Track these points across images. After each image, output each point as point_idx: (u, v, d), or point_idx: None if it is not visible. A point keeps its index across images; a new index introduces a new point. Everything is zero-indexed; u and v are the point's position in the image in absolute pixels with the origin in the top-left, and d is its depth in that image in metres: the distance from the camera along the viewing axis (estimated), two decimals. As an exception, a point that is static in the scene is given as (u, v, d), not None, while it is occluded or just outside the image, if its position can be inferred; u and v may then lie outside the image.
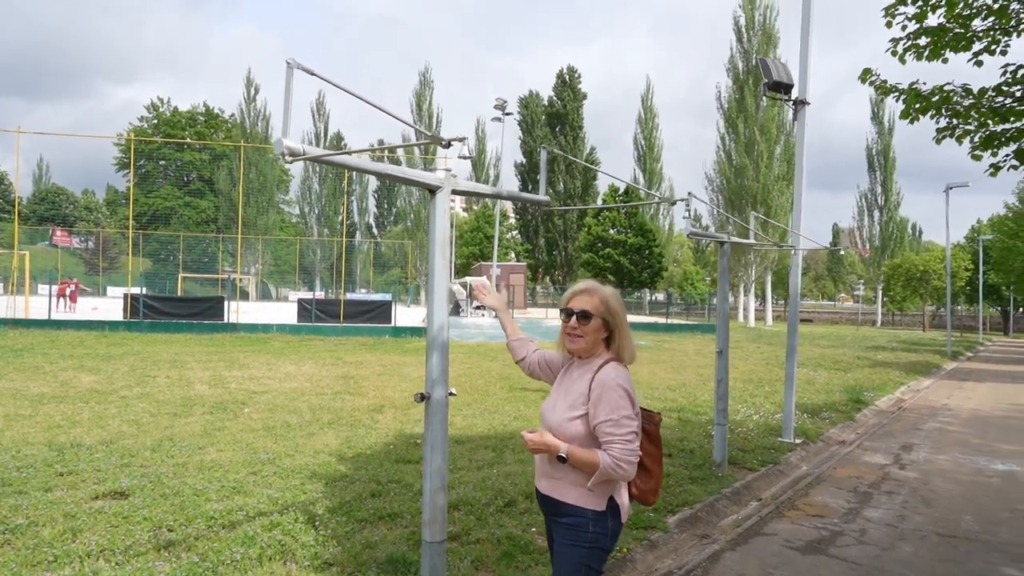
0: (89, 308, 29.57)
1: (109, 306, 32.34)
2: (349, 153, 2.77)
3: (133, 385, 10.49)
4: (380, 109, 2.75)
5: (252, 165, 58.53)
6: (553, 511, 2.52)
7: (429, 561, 3.52)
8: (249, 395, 9.99)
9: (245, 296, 52.05)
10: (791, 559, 4.70)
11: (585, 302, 2.52)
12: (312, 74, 2.72)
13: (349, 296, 34.02)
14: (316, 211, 65.88)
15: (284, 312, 30.24)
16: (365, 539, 4.36)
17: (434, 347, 3.55)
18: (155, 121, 73.42)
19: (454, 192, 3.54)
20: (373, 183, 78.18)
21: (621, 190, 53.65)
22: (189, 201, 71.30)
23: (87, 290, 41.33)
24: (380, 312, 23.89)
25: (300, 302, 24.47)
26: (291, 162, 2.76)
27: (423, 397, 3.52)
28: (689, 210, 5.32)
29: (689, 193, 5.68)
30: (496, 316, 3.10)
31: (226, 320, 21.77)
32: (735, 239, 7.01)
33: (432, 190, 3.43)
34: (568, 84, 66.37)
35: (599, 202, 62.34)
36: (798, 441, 8.40)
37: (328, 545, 4.24)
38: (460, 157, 2.79)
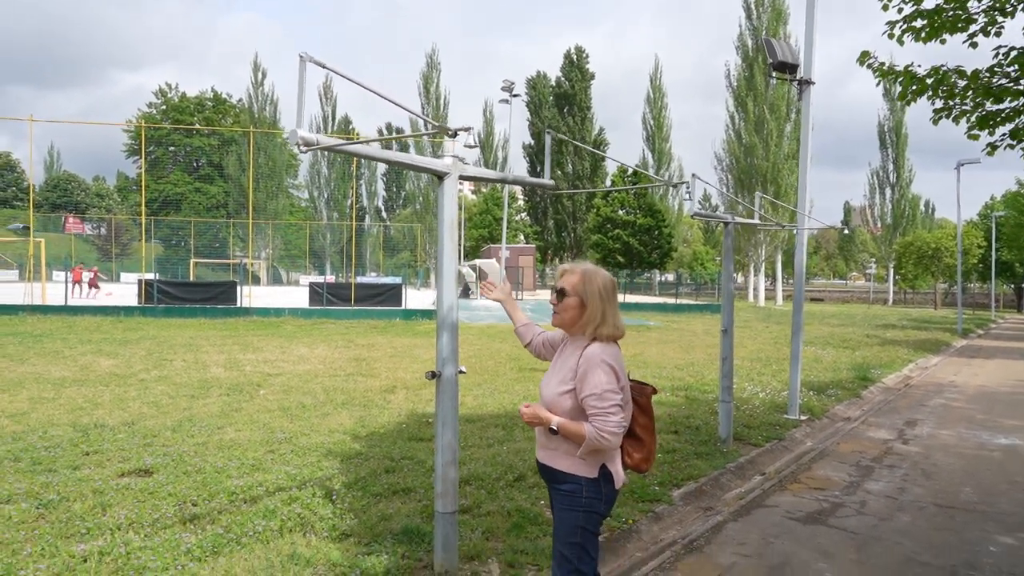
0: (104, 294, 29.98)
1: (123, 292, 32.77)
2: (365, 142, 2.90)
3: (151, 368, 10.74)
4: (390, 100, 2.88)
5: (261, 150, 58.71)
6: (551, 479, 2.70)
7: (442, 531, 3.70)
8: (264, 377, 10.21)
9: (256, 281, 52.50)
10: (791, 529, 4.86)
11: (564, 281, 2.69)
12: (324, 67, 2.85)
13: (360, 280, 34.25)
14: (325, 195, 66.03)
15: (295, 296, 30.54)
16: (380, 512, 4.55)
17: (444, 327, 3.70)
18: (164, 107, 73.67)
19: (462, 178, 3.67)
20: (382, 167, 78.27)
21: (629, 171, 53.46)
22: (199, 187, 71.66)
23: (104, 278, 41.79)
24: (391, 295, 24.11)
25: (312, 286, 24.72)
26: (305, 151, 2.89)
27: (434, 375, 3.68)
28: (691, 192, 5.42)
29: (693, 175, 5.78)
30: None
31: (239, 304, 22.05)
32: (739, 219, 7.10)
33: (440, 176, 3.57)
34: (576, 64, 65.91)
35: (608, 183, 62.18)
36: (803, 418, 8.53)
37: (345, 518, 4.43)
38: (465, 146, 2.92)
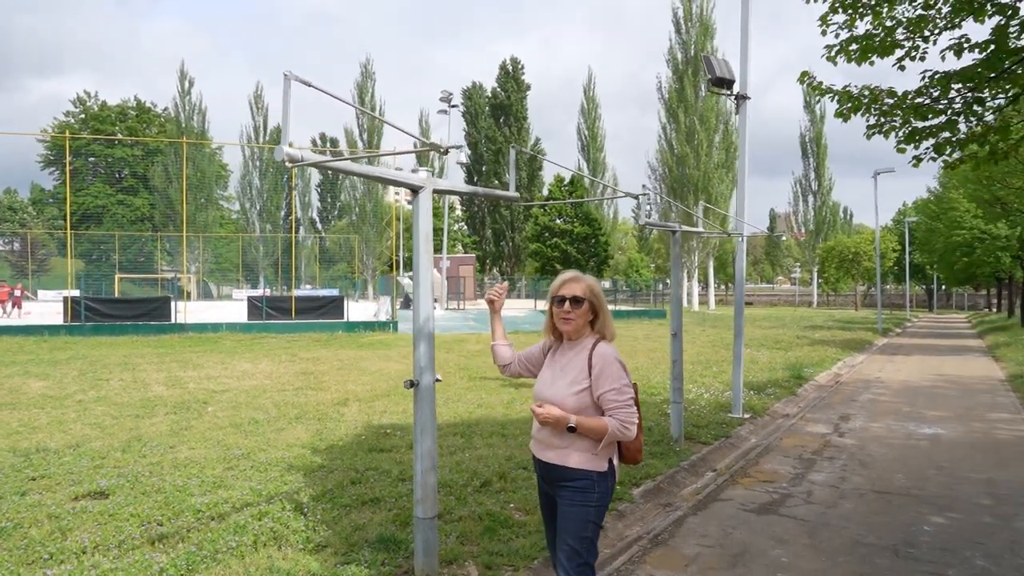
0: (23, 313, 28.47)
1: (43, 310, 31.16)
2: (350, 159, 2.98)
3: (87, 389, 10.33)
4: (384, 121, 2.96)
5: (189, 160, 56.87)
6: (560, 477, 2.78)
7: (422, 536, 3.78)
8: (210, 394, 9.97)
9: (186, 296, 50.65)
10: (747, 520, 5.13)
11: (575, 288, 2.83)
12: (309, 85, 2.92)
13: (299, 292, 33.57)
14: (258, 206, 64.38)
15: (231, 311, 29.71)
16: (353, 522, 4.58)
17: (421, 337, 3.80)
18: (83, 116, 70.36)
19: (435, 191, 3.79)
20: (316, 178, 76.99)
21: (566, 180, 54.31)
22: (122, 199, 68.67)
23: (30, 296, 39.58)
24: (332, 308, 23.78)
25: (250, 300, 24.13)
26: (291, 167, 2.95)
27: (412, 384, 3.76)
28: (648, 206, 5.68)
29: (643, 186, 6.04)
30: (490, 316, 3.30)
31: (173, 320, 21.32)
32: (686, 228, 7.43)
33: (415, 190, 3.67)
34: (512, 75, 66.55)
35: (545, 192, 62.92)
36: (747, 416, 8.94)
37: (319, 530, 4.44)
38: (458, 163, 3.04)
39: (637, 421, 2.70)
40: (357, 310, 28.78)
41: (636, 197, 5.50)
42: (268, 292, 47.07)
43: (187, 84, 58.32)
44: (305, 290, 48.14)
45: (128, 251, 62.47)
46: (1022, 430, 8.59)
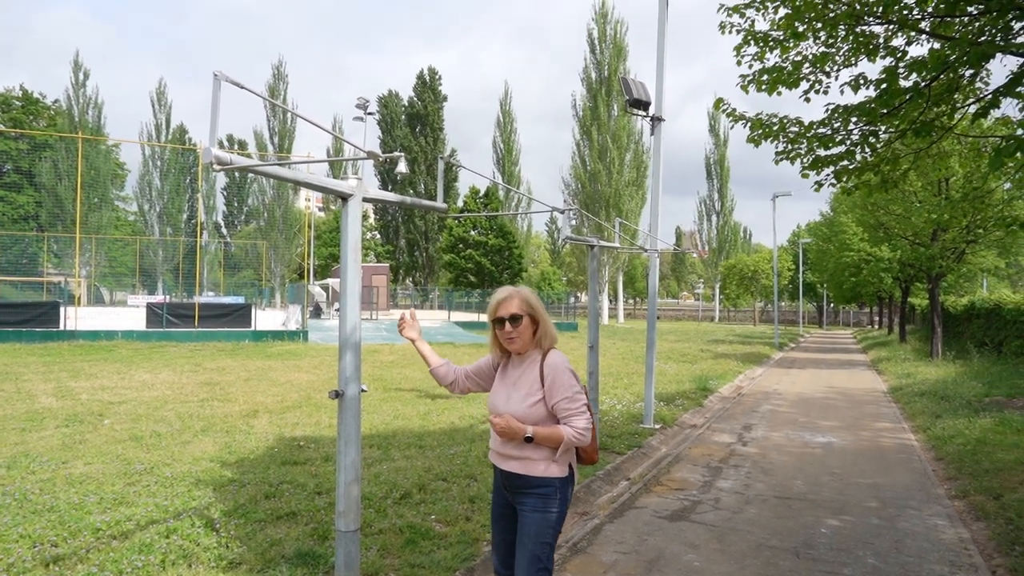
0: None
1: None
2: (281, 165, 2.92)
3: (-36, 400, 9.50)
4: (315, 124, 2.92)
5: (84, 158, 53.37)
6: (522, 485, 2.83)
7: (344, 550, 3.70)
8: (105, 406, 9.39)
9: (74, 300, 47.30)
10: (661, 526, 5.32)
11: (510, 307, 2.87)
12: (242, 87, 2.85)
13: (203, 299, 32.08)
14: (158, 208, 61.15)
15: (127, 317, 28.03)
16: (268, 537, 4.43)
17: (347, 347, 3.74)
18: (-41, 104, 64.79)
19: (364, 199, 3.75)
20: (222, 179, 73.95)
21: (481, 192, 54.58)
22: (3, 195, 63.59)
23: None
24: (239, 316, 22.84)
25: (149, 306, 22.83)
26: (219, 171, 2.87)
27: (338, 394, 3.69)
28: (573, 220, 5.81)
29: (566, 201, 6.18)
30: (415, 344, 3.34)
31: (62, 327, 19.90)
32: (603, 243, 7.65)
33: (344, 197, 3.63)
34: (429, 85, 66.41)
35: (460, 203, 62.98)
36: (657, 426, 9.25)
37: (232, 546, 4.27)
38: (397, 173, 3.02)
39: (589, 426, 2.78)
40: (265, 319, 27.77)
41: (562, 212, 5.64)
42: (168, 298, 44.69)
43: (82, 76, 54.79)
44: (209, 297, 45.97)
45: (9, 252, 57.78)
46: (902, 438, 9.30)
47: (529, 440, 2.75)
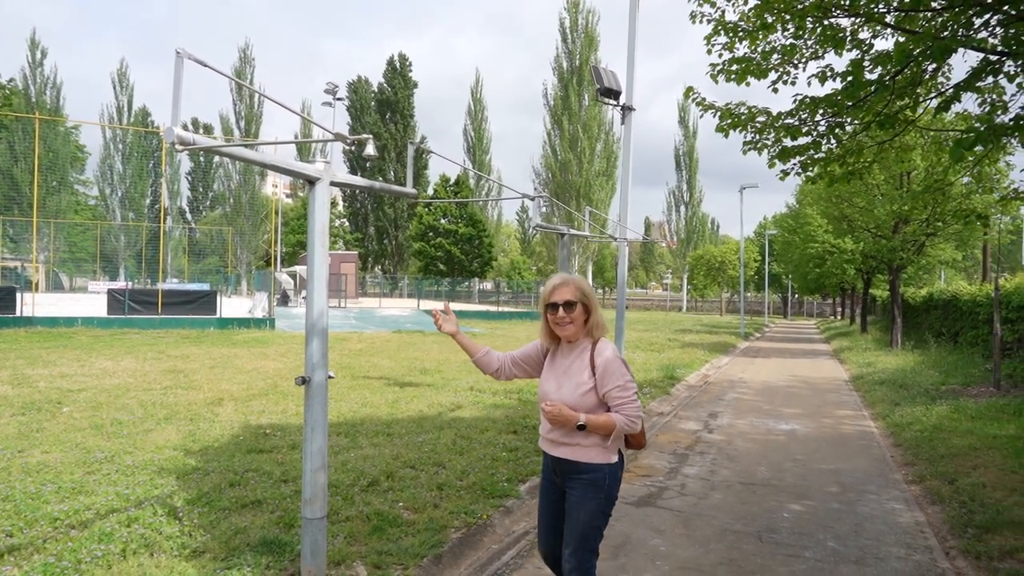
0: None
1: None
2: (246, 145, 2.85)
3: (-86, 388, 9.19)
4: (282, 105, 2.86)
5: (41, 139, 51.78)
6: (574, 471, 2.89)
7: (310, 537, 3.67)
8: (64, 393, 9.16)
9: (31, 286, 46.02)
10: (627, 512, 5.38)
11: (565, 293, 2.90)
12: (205, 65, 2.78)
13: (167, 286, 31.44)
14: (119, 193, 59.68)
15: (87, 304, 27.37)
16: (233, 526, 4.37)
17: (314, 333, 3.69)
18: (-93, 82, 62.24)
19: (332, 184, 3.69)
20: (186, 164, 72.43)
21: (452, 180, 54.35)
22: (-45, 177, 61.42)
23: None
24: (204, 303, 22.45)
25: (111, 292, 22.30)
26: (181, 151, 2.79)
27: (304, 380, 3.65)
28: (543, 208, 5.80)
29: (536, 189, 6.17)
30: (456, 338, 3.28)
31: (19, 313, 19.35)
32: (574, 231, 7.67)
33: (311, 181, 3.57)
34: (399, 72, 65.80)
35: (430, 191, 62.65)
36: (625, 414, 9.33)
37: (195, 535, 4.20)
38: (365, 156, 2.98)
39: (641, 414, 2.85)
40: (231, 306, 27.35)
41: (532, 199, 5.63)
42: (130, 285, 43.70)
43: (39, 55, 53.10)
44: (172, 284, 45.07)
45: (-38, 236, 55.95)
46: (862, 425, 9.53)
47: (582, 428, 2.80)
